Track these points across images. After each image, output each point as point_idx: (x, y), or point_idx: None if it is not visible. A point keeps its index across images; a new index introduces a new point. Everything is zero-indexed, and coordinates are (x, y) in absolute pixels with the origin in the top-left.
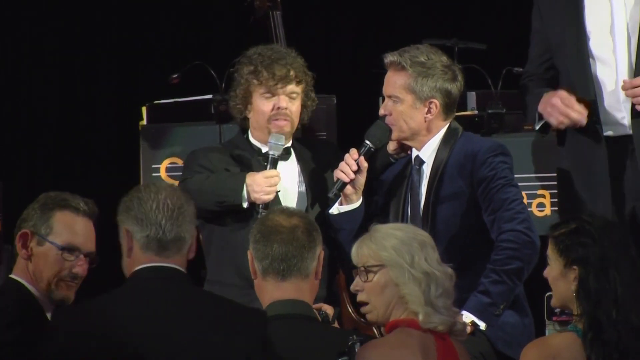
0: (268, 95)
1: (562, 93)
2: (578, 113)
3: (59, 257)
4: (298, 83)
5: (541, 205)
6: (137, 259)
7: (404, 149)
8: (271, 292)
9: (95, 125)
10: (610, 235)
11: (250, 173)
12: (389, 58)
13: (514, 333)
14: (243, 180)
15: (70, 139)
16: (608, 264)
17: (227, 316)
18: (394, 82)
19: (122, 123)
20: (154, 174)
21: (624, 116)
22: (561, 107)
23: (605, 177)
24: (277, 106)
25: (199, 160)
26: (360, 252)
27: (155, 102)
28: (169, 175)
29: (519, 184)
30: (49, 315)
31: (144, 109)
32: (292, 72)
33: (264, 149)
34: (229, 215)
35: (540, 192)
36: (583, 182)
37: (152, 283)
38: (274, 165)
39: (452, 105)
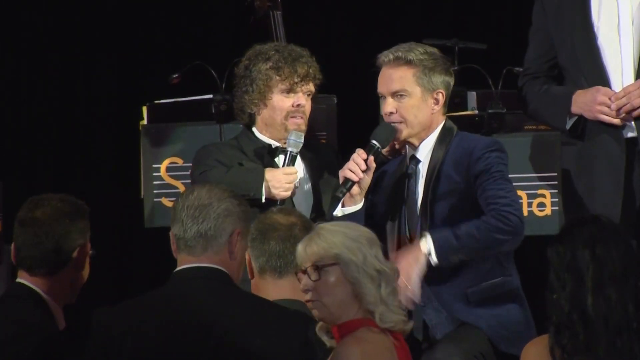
0: (288, 92)
1: (607, 91)
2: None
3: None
4: (314, 83)
5: (541, 205)
6: (178, 260)
7: (398, 149)
8: (268, 290)
9: (96, 125)
10: (569, 234)
11: (269, 168)
12: (391, 55)
13: (518, 329)
14: (263, 175)
15: (70, 138)
16: (553, 266)
17: (268, 317)
18: (400, 77)
19: (122, 123)
20: (154, 174)
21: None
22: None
23: (620, 178)
24: (297, 103)
25: (214, 154)
26: (309, 250)
27: (156, 101)
28: (169, 175)
29: (519, 183)
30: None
31: (144, 109)
32: (311, 71)
33: (274, 145)
34: None
35: (540, 191)
36: (589, 182)
37: (189, 283)
38: (293, 162)
39: (449, 98)
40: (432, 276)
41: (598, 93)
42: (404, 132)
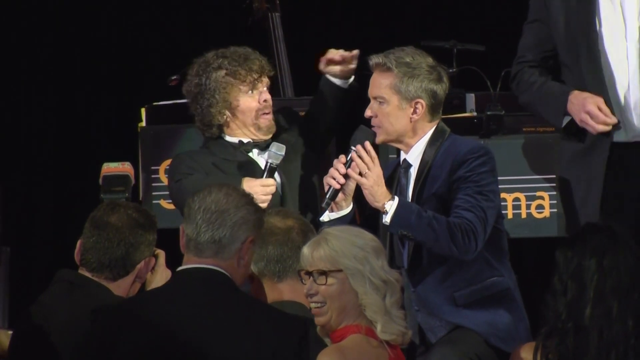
0: (250, 91)
1: (599, 100)
2: (613, 120)
3: None
4: (268, 75)
5: (540, 207)
6: (185, 258)
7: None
8: (267, 293)
9: (95, 127)
10: (580, 241)
11: (246, 178)
12: (374, 60)
13: (507, 330)
14: (239, 185)
15: (69, 140)
16: (559, 270)
17: (261, 321)
18: (380, 83)
19: (121, 125)
20: (152, 176)
21: (636, 120)
22: (600, 116)
23: (599, 182)
24: (263, 99)
25: (187, 162)
26: (316, 254)
27: (154, 103)
28: (167, 177)
29: (518, 185)
30: None
31: (143, 111)
32: (263, 63)
33: (245, 140)
34: None
35: (539, 193)
36: (579, 185)
37: (192, 284)
38: (272, 174)
39: (437, 106)
40: (420, 281)
41: (586, 101)
42: (380, 137)
